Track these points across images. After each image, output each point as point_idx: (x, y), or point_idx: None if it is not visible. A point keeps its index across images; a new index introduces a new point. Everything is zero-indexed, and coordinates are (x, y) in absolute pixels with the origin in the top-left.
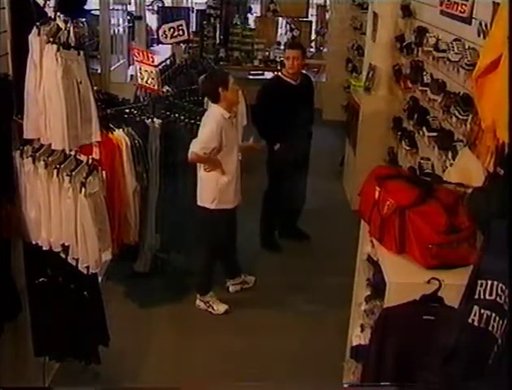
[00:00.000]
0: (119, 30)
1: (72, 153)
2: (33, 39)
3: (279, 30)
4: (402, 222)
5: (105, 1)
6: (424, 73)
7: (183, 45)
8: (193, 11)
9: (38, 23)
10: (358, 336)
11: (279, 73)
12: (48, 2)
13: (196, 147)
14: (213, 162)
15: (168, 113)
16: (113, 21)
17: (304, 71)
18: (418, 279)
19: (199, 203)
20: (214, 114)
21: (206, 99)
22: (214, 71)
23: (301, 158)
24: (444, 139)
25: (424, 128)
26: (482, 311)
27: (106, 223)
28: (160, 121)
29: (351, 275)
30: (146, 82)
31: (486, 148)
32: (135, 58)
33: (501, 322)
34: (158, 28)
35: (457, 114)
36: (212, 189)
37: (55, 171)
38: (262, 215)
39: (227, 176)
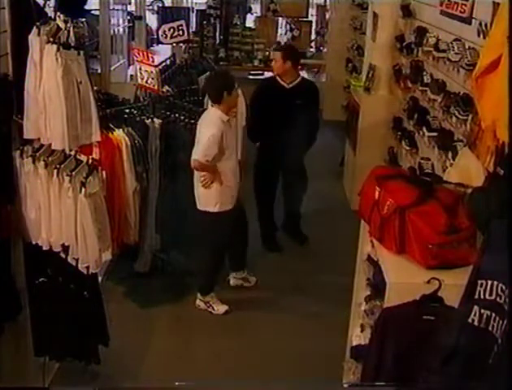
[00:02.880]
0: (119, 30)
1: (72, 153)
2: (33, 39)
3: (279, 30)
4: (402, 222)
5: (105, 1)
6: (424, 73)
7: (183, 45)
8: (193, 11)
9: (38, 23)
10: (358, 336)
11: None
12: (48, 2)
13: (198, 154)
14: (212, 170)
15: (168, 113)
16: (113, 21)
17: (307, 78)
18: (418, 279)
19: (200, 208)
20: (212, 119)
21: (206, 99)
22: (220, 71)
23: (286, 161)
24: (444, 139)
25: (424, 128)
26: (482, 311)
27: (106, 223)
28: (160, 121)
29: (351, 275)
30: (146, 82)
31: (486, 148)
32: (135, 58)
33: (501, 322)
34: (158, 28)
35: (457, 114)
36: (213, 194)
37: (55, 171)
38: (258, 215)
39: (227, 179)
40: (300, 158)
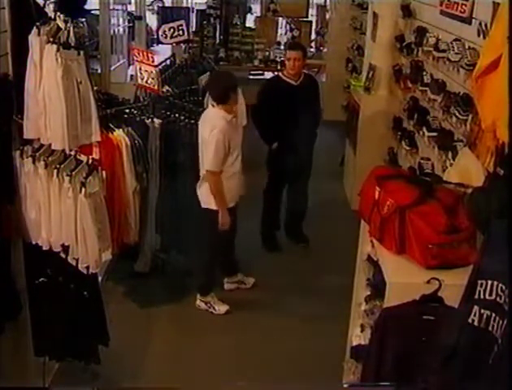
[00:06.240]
0: (119, 30)
1: (72, 153)
2: (33, 39)
3: (279, 30)
4: (402, 222)
5: (105, 1)
6: (424, 73)
7: (183, 45)
8: (193, 11)
9: (38, 23)
10: (358, 336)
11: (280, 73)
12: (48, 2)
13: (210, 165)
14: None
15: (168, 113)
16: (113, 21)
17: (306, 72)
18: (418, 279)
19: (203, 206)
20: (215, 121)
21: (206, 99)
22: (222, 72)
23: (300, 159)
24: (444, 139)
25: (424, 128)
26: (482, 311)
27: (106, 223)
28: (160, 121)
29: (351, 275)
30: (146, 82)
31: (486, 148)
32: (135, 58)
33: (500, 322)
34: (158, 28)
35: (457, 114)
36: None
37: (55, 171)
38: (262, 215)
39: (231, 181)
40: (311, 154)
